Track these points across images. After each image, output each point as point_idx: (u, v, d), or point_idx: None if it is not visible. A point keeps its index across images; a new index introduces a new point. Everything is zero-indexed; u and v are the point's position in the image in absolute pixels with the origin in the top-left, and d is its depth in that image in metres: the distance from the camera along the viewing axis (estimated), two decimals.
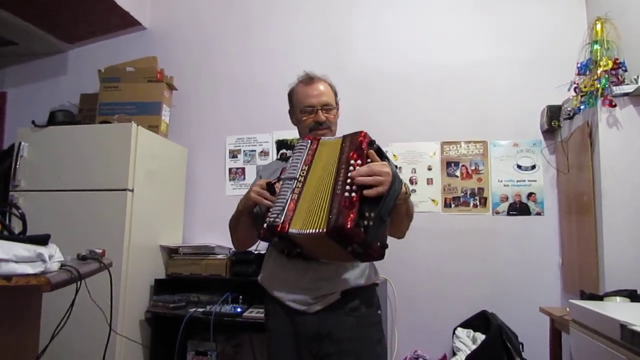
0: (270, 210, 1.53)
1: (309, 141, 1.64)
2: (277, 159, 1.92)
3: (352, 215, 1.33)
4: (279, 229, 1.46)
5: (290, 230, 1.45)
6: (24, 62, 4.30)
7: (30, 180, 3.14)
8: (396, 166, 1.58)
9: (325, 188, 1.46)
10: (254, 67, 3.82)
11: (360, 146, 1.46)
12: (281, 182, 1.56)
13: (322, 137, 1.66)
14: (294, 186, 1.53)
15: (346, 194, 1.38)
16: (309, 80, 1.85)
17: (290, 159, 1.62)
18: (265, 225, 1.51)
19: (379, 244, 1.41)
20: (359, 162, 1.43)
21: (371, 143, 1.49)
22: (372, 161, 1.45)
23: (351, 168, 1.42)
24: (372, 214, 1.37)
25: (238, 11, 3.94)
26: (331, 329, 1.63)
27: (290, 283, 1.67)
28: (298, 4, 3.83)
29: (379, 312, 1.77)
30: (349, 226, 1.31)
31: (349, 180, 1.39)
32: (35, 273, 1.21)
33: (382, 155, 1.51)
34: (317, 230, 1.38)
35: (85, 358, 2.63)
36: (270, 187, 1.58)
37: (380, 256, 1.44)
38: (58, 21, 3.80)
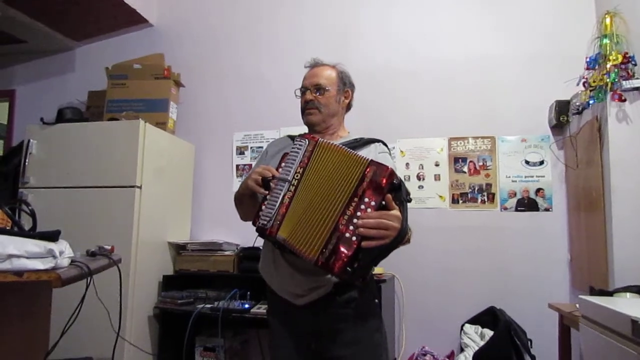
0: (263, 210, 1.53)
1: (306, 141, 1.57)
2: (288, 135, 1.91)
3: (343, 261, 1.34)
4: (267, 232, 1.50)
5: (278, 235, 1.48)
6: (32, 60, 4.33)
7: (39, 177, 3.16)
8: (409, 199, 1.46)
9: (327, 208, 1.42)
10: (260, 63, 3.82)
11: (380, 185, 1.38)
12: (275, 181, 1.54)
13: (321, 139, 1.58)
14: (287, 189, 1.52)
15: (347, 234, 1.36)
16: (311, 65, 1.89)
17: (287, 156, 1.59)
18: (255, 227, 1.55)
19: (361, 279, 1.45)
20: (372, 203, 1.37)
21: (392, 184, 1.40)
22: (386, 204, 1.38)
23: (363, 207, 1.37)
24: (365, 259, 1.38)
25: (244, 7, 3.94)
26: (327, 323, 1.64)
27: (283, 275, 1.66)
28: (305, 0, 3.83)
29: (376, 300, 1.77)
30: (336, 271, 1.35)
31: (355, 221, 1.36)
32: (46, 269, 1.22)
33: (400, 194, 1.42)
34: (309, 255, 1.41)
35: (94, 354, 2.65)
36: (265, 183, 1.56)
37: (358, 286, 1.50)
38: (66, 19, 3.81)
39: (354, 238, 1.35)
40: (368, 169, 1.41)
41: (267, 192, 1.55)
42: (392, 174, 1.39)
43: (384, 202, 1.38)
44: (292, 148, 1.58)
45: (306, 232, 1.44)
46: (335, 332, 1.63)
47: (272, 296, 1.76)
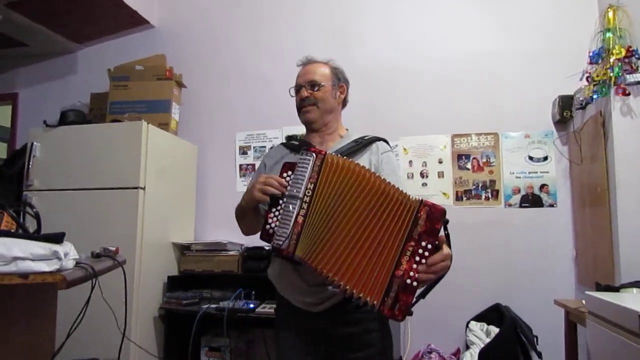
0: (275, 229, 1.50)
1: (314, 155, 1.53)
2: (282, 144, 1.89)
3: (406, 309, 1.36)
4: (285, 252, 1.48)
5: (295, 255, 1.46)
6: (34, 63, 4.34)
7: (43, 179, 3.17)
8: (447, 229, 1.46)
9: (373, 247, 1.41)
10: (262, 62, 3.82)
11: (435, 228, 1.38)
12: (285, 199, 1.51)
13: (328, 153, 1.54)
14: (299, 207, 1.48)
15: (408, 280, 1.36)
16: (303, 63, 1.88)
17: (294, 172, 1.54)
18: (271, 246, 1.53)
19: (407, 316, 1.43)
20: (429, 246, 1.37)
21: (445, 223, 1.41)
22: (439, 243, 1.39)
23: (421, 251, 1.37)
24: (417, 299, 1.41)
25: (245, 7, 3.94)
26: (338, 327, 1.64)
27: (296, 285, 1.66)
28: None
29: None
30: (400, 319, 1.37)
31: (414, 266, 1.37)
32: (51, 270, 1.22)
33: (447, 230, 1.44)
34: (366, 298, 1.38)
35: (100, 356, 2.66)
36: (274, 199, 1.53)
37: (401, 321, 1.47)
38: (67, 21, 3.82)
39: (414, 284, 1.36)
40: (421, 211, 1.39)
41: (274, 207, 1.52)
42: (444, 214, 1.39)
43: (437, 242, 1.39)
44: (299, 162, 1.54)
45: (349, 267, 1.41)
46: (346, 336, 1.64)
47: (280, 299, 1.76)
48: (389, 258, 1.39)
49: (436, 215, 1.38)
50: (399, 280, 1.36)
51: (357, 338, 1.63)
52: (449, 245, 1.42)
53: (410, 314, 1.39)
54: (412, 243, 1.38)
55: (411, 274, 1.36)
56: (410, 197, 1.44)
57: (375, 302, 1.37)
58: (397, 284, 1.36)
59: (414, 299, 1.38)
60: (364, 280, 1.40)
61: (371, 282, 1.39)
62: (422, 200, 1.41)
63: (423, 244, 1.37)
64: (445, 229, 1.43)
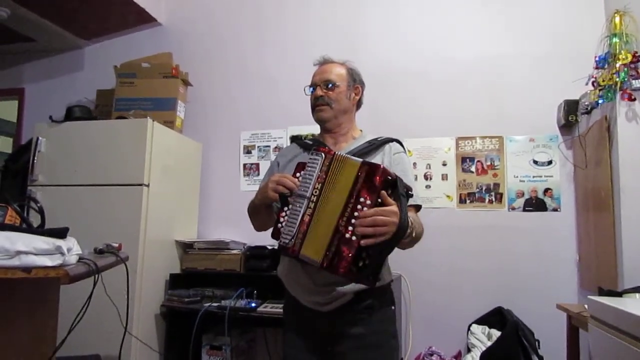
0: (283, 228, 1.52)
1: (323, 155, 1.54)
2: (295, 142, 1.90)
3: (347, 261, 1.38)
4: (290, 251, 1.50)
5: (301, 254, 1.48)
6: (41, 59, 4.36)
7: (48, 174, 3.18)
8: (410, 193, 1.52)
9: (333, 217, 1.44)
10: (267, 62, 3.82)
11: (373, 183, 1.39)
12: (293, 198, 1.53)
13: (337, 152, 1.55)
14: (306, 206, 1.50)
15: (347, 235, 1.39)
16: (320, 62, 1.88)
17: (304, 171, 1.56)
18: (277, 245, 1.55)
19: (370, 277, 1.44)
20: (368, 202, 1.39)
21: (386, 181, 1.41)
22: (383, 201, 1.39)
23: (359, 207, 1.39)
24: (369, 257, 1.40)
25: (251, 6, 3.95)
26: (345, 327, 1.64)
27: (304, 285, 1.67)
28: None
29: (393, 307, 1.77)
30: (341, 271, 1.39)
31: (353, 221, 1.39)
32: (54, 265, 1.22)
33: (396, 190, 1.43)
34: (315, 259, 1.44)
35: (101, 352, 2.66)
36: (283, 198, 1.55)
37: (371, 285, 1.48)
38: (74, 18, 3.83)
39: (354, 238, 1.38)
40: (361, 170, 1.43)
41: (285, 206, 1.54)
42: (384, 171, 1.41)
43: (380, 200, 1.39)
44: (309, 162, 1.55)
45: (319, 243, 1.45)
46: (353, 337, 1.63)
47: (289, 297, 1.76)
48: (334, 217, 1.43)
49: (373, 170, 1.41)
50: (339, 235, 1.40)
51: (364, 339, 1.63)
52: (400, 206, 1.40)
53: (377, 278, 1.46)
54: (352, 200, 1.41)
55: (349, 228, 1.39)
56: (357, 160, 1.47)
57: (317, 259, 1.42)
58: (338, 238, 1.40)
59: (358, 256, 1.38)
60: (317, 242, 1.44)
61: (320, 242, 1.43)
62: (362, 160, 1.46)
63: (361, 199, 1.40)
64: (395, 187, 1.43)
